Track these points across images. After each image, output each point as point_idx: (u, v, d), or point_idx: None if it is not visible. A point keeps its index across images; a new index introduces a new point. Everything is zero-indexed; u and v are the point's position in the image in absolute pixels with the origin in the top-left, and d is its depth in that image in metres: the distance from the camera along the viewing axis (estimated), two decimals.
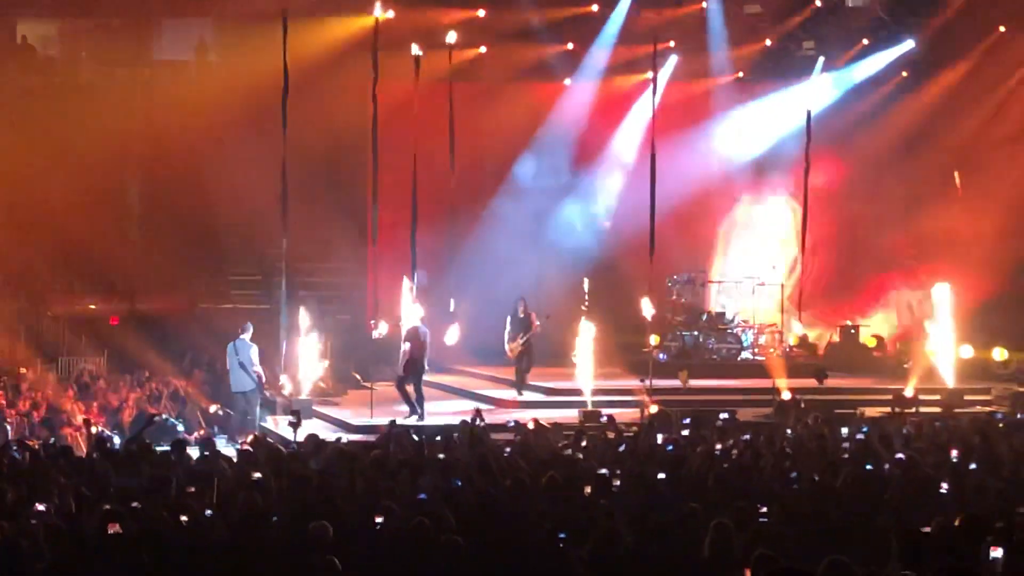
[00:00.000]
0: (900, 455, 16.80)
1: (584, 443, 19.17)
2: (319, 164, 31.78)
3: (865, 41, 34.56)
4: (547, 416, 23.48)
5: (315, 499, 13.52)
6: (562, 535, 11.70)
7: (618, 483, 15.07)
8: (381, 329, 27.22)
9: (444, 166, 30.44)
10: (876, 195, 34.97)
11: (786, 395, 25.33)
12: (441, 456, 17.31)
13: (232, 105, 30.91)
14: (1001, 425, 21.26)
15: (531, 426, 20.70)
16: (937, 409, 24.63)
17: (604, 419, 22.67)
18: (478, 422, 21.20)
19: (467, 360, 32.06)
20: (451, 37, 30.47)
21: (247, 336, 25.91)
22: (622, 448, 18.47)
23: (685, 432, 20.42)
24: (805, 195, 32.81)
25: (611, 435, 20.10)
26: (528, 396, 27.59)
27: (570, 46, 34.77)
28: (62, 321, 31.10)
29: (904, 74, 35.16)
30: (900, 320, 34.32)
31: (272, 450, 18.56)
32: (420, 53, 30.03)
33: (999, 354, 30.95)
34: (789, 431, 20.43)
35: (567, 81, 35.43)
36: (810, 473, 15.61)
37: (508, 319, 27.91)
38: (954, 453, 17.20)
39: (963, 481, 15.05)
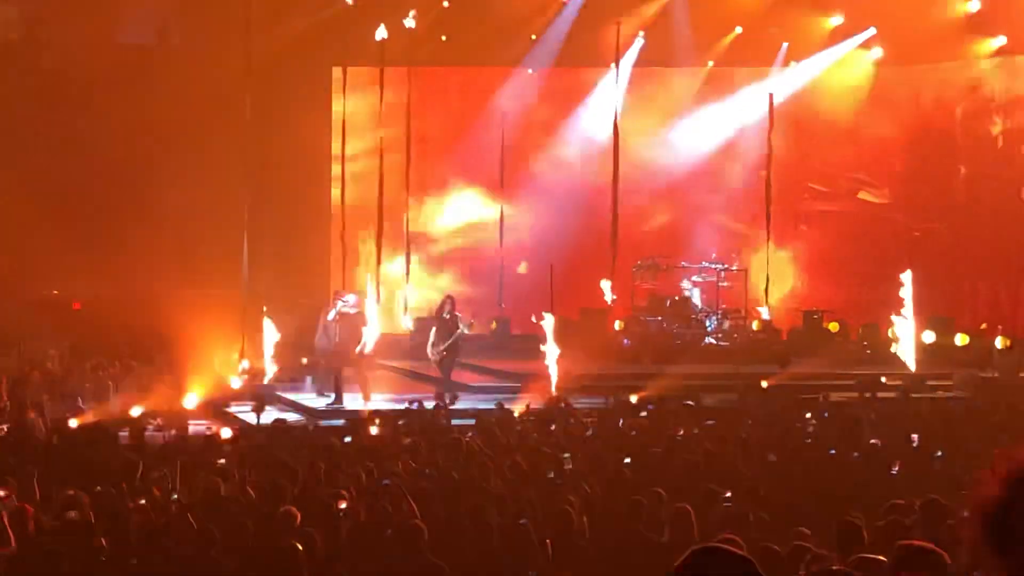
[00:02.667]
0: (874, 441, 16.91)
1: (553, 427, 19.19)
2: (283, 145, 31.69)
3: (833, 22, 34.56)
4: (513, 401, 23.51)
5: (278, 484, 13.49)
6: (523, 520, 11.71)
7: (581, 468, 15.11)
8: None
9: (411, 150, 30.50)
10: None
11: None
12: (407, 441, 17.33)
13: (195, 89, 30.84)
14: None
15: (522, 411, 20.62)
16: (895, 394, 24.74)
17: (563, 405, 22.66)
18: (442, 406, 21.21)
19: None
20: (410, 21, 30.60)
21: (341, 303, 26.43)
22: (589, 433, 18.54)
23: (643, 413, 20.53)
24: (768, 179, 33.01)
25: (572, 420, 20.12)
26: (491, 382, 27.59)
27: (533, 37, 34.74)
28: (24, 306, 30.89)
29: (874, 54, 35.15)
30: None
31: (236, 435, 18.54)
32: (385, 35, 30.10)
33: (960, 339, 31.13)
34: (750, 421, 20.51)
35: (529, 70, 35.40)
36: (774, 458, 15.67)
37: (433, 320, 26.85)
38: (915, 438, 17.32)
39: (924, 466, 15.14)
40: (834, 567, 7.29)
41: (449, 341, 25.76)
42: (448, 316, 26.09)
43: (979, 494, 2.45)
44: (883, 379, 25.96)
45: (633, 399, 23.71)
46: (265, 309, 27.18)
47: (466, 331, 26.23)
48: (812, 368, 28.56)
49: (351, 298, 26.71)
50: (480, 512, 11.80)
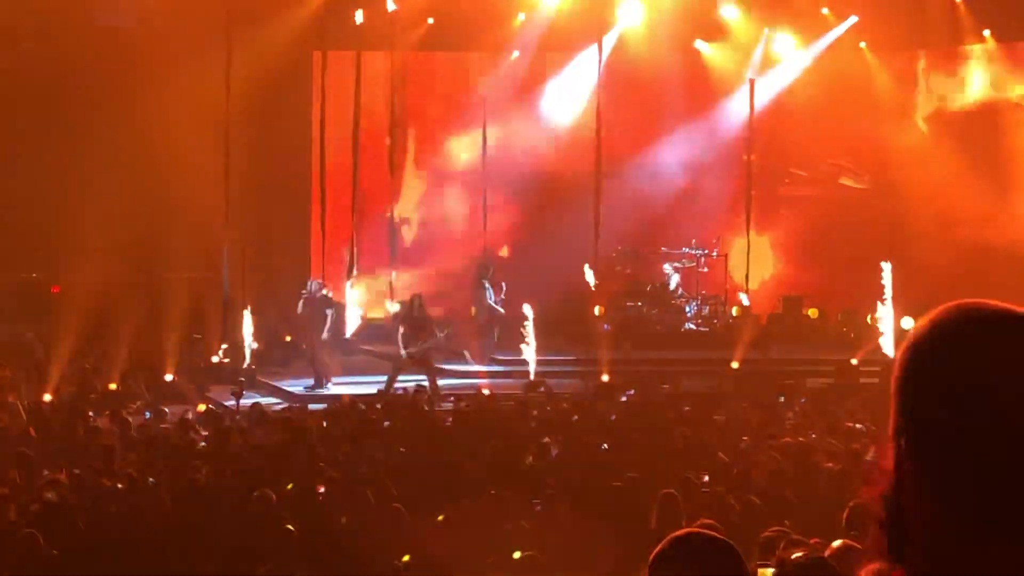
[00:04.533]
0: (859, 425, 16.99)
1: (535, 412, 19.20)
2: (263, 129, 31.57)
3: (825, 11, 34.52)
4: (492, 386, 23.55)
5: (257, 468, 13.49)
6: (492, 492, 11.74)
7: (561, 453, 15.13)
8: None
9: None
10: None
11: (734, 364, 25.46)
12: (386, 424, 17.36)
13: (176, 72, 30.70)
14: None
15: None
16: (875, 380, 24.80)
17: (542, 390, 22.68)
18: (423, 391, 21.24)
19: None
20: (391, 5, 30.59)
21: (304, 291, 26.59)
22: (575, 419, 18.57)
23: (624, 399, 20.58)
24: (749, 165, 32.99)
25: (565, 405, 20.10)
26: (471, 367, 27.60)
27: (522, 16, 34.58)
28: (1, 290, 30.79)
29: (862, 44, 35.10)
30: None
31: (215, 419, 18.55)
32: (362, 20, 30.07)
33: None
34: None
35: (516, 53, 35.25)
36: (751, 443, 15.71)
37: (400, 319, 26.18)
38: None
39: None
40: (797, 554, 7.29)
41: (422, 346, 25.12)
42: (417, 314, 25.56)
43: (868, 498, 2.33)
44: (854, 361, 26.11)
45: (604, 378, 23.80)
46: (248, 309, 27.22)
47: (441, 337, 25.77)
48: (791, 354, 28.66)
49: (313, 284, 26.77)
50: (459, 496, 11.83)
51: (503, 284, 28.82)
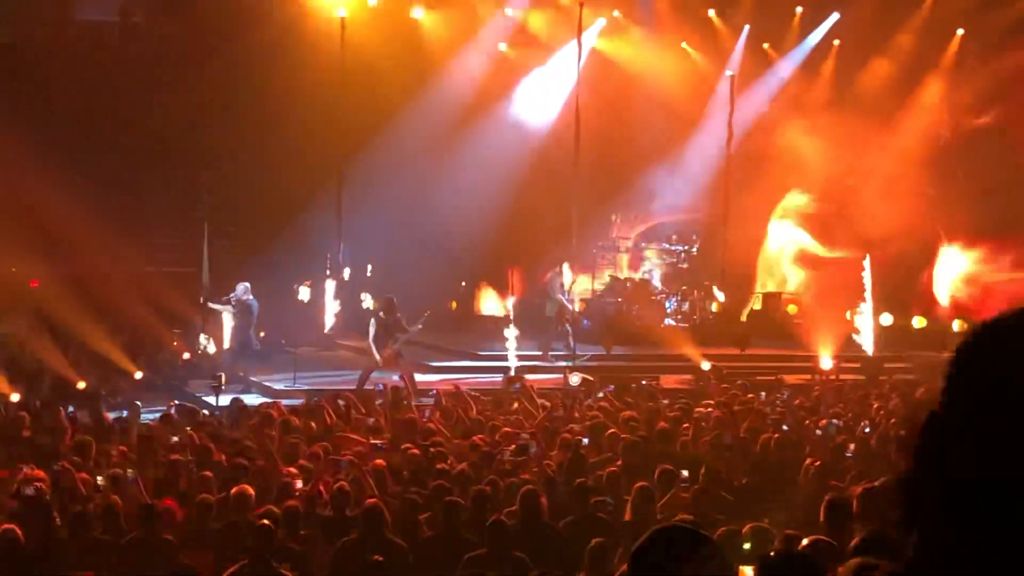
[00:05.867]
0: (836, 421, 17.05)
1: (515, 407, 19.23)
2: (243, 130, 31.53)
3: (799, 10, 34.65)
4: (472, 381, 23.55)
5: (237, 463, 13.47)
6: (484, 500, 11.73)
7: (541, 448, 15.13)
8: (304, 294, 27.44)
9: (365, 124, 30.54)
10: None
11: (705, 365, 25.39)
12: (370, 421, 17.35)
13: (156, 68, 30.68)
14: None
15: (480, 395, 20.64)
16: (859, 376, 24.88)
17: (517, 387, 22.62)
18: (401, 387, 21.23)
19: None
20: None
21: (233, 295, 26.51)
22: (560, 413, 18.57)
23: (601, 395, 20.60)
24: (728, 163, 33.04)
25: (543, 400, 20.09)
26: (453, 362, 27.61)
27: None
28: None
29: (836, 42, 35.25)
30: None
31: (193, 414, 18.54)
32: (345, 14, 30.07)
33: (918, 322, 31.29)
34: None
35: (502, 46, 35.27)
36: (732, 439, 15.72)
37: (371, 320, 25.31)
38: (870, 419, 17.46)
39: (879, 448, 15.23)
40: (775, 552, 7.30)
41: (393, 347, 24.75)
42: (387, 317, 24.99)
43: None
44: (828, 361, 26.21)
45: (575, 378, 23.74)
46: (232, 298, 27.18)
47: (414, 330, 25.54)
48: (770, 351, 28.71)
49: (240, 288, 26.67)
50: (441, 492, 11.82)
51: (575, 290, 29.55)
